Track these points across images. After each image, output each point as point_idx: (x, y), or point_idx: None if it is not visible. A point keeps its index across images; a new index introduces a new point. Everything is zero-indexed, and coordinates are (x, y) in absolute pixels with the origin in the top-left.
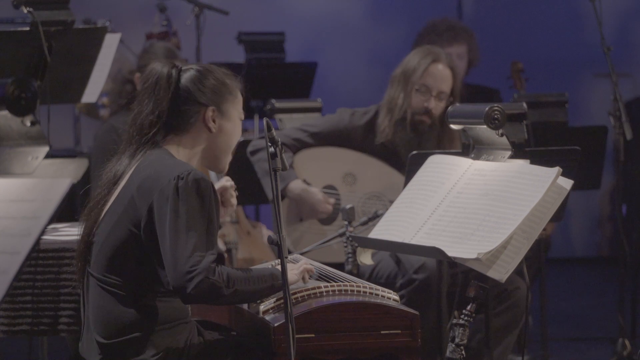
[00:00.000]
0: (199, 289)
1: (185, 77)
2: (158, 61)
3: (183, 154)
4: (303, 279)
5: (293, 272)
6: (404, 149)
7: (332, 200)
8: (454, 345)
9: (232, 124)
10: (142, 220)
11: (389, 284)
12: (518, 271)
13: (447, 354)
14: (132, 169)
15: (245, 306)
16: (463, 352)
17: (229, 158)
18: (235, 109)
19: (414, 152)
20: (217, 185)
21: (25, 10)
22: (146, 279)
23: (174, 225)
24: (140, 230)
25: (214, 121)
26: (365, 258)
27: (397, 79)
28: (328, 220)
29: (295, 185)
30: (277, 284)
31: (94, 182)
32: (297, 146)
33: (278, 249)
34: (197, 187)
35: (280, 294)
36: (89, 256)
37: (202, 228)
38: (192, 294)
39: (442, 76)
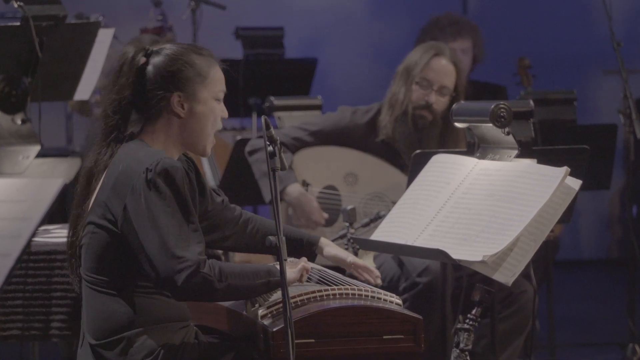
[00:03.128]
0: (189, 282)
1: (152, 62)
2: (130, 45)
3: (158, 142)
4: (301, 277)
5: (291, 270)
6: (404, 145)
7: (325, 215)
8: (458, 351)
9: (205, 106)
10: (119, 219)
11: (391, 287)
12: (525, 274)
13: (452, 359)
14: (108, 166)
15: (243, 310)
16: (468, 357)
17: (208, 140)
18: (208, 90)
19: (417, 151)
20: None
21: (15, 5)
22: (134, 277)
23: (151, 219)
24: (118, 229)
25: (182, 107)
26: (367, 261)
27: (400, 75)
28: (328, 221)
29: (294, 189)
30: (273, 280)
31: None
32: (297, 145)
33: (277, 252)
34: (166, 176)
35: (280, 297)
36: (79, 259)
37: (180, 218)
38: (182, 287)
39: (444, 70)
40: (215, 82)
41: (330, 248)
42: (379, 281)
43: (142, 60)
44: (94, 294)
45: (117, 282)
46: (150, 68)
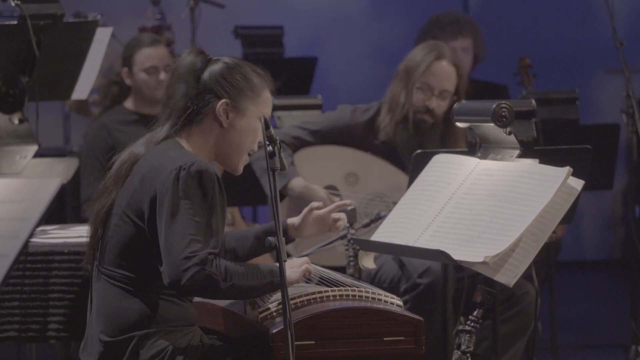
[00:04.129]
0: (194, 280)
1: (209, 69)
2: (191, 50)
3: (193, 146)
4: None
5: (293, 269)
6: (404, 149)
7: (336, 199)
8: (459, 353)
9: (247, 123)
10: (145, 213)
11: (392, 288)
12: (527, 275)
13: None
14: (139, 160)
15: (243, 312)
16: (469, 359)
17: (242, 159)
18: (256, 108)
19: (418, 151)
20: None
21: (13, 3)
22: (153, 274)
23: (173, 215)
24: (144, 224)
25: (226, 116)
26: (368, 262)
27: (400, 76)
28: None
29: (297, 183)
30: (276, 280)
31: (83, 183)
32: (297, 145)
33: (276, 253)
34: (200, 178)
35: (279, 298)
36: (98, 250)
37: (203, 220)
38: (187, 285)
39: (445, 74)
40: (265, 103)
41: (296, 218)
42: (342, 224)
43: (200, 65)
44: (111, 288)
45: (136, 279)
46: (206, 74)
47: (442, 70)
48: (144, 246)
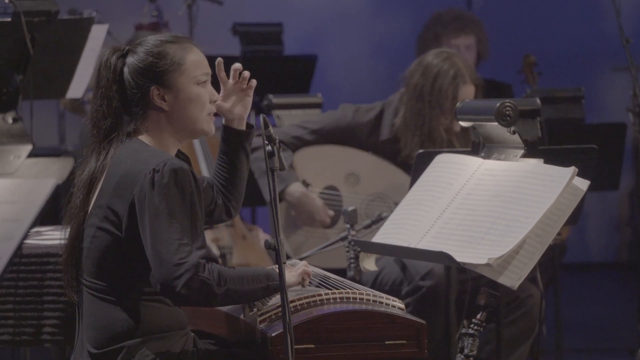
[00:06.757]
0: (188, 287)
1: (127, 62)
2: (106, 46)
3: (155, 139)
4: (302, 281)
5: (292, 274)
6: None
7: (331, 213)
8: (463, 357)
9: (187, 94)
10: (123, 221)
11: (394, 291)
12: (531, 277)
13: None
14: (107, 168)
15: (241, 315)
16: None
17: (203, 123)
18: (186, 77)
19: (421, 150)
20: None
21: (6, 0)
22: (135, 282)
23: (155, 221)
24: (122, 232)
25: (163, 99)
26: (369, 264)
27: (427, 98)
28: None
29: (295, 189)
30: (272, 284)
31: None
32: (297, 144)
33: (276, 254)
34: (175, 177)
35: (279, 301)
36: (79, 263)
37: (186, 221)
38: (181, 293)
39: (469, 97)
40: (194, 67)
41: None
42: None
43: (119, 61)
44: (94, 300)
45: (117, 288)
46: (126, 69)
47: (468, 94)
48: (121, 254)
